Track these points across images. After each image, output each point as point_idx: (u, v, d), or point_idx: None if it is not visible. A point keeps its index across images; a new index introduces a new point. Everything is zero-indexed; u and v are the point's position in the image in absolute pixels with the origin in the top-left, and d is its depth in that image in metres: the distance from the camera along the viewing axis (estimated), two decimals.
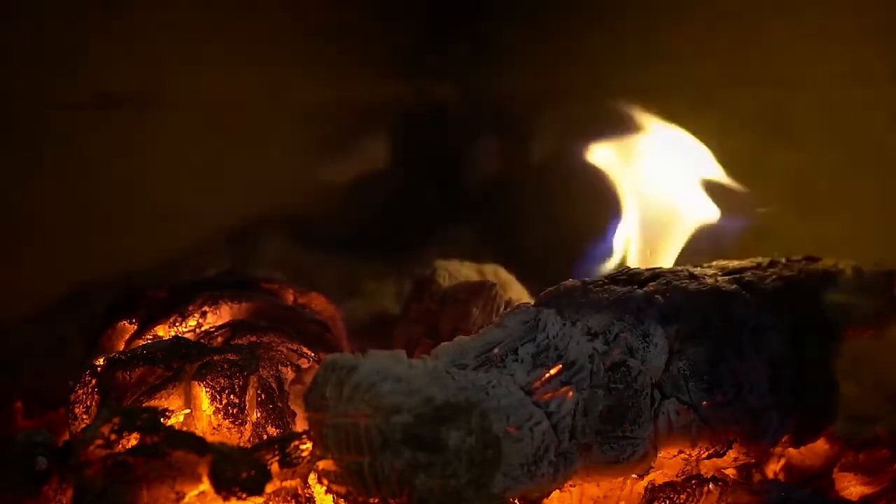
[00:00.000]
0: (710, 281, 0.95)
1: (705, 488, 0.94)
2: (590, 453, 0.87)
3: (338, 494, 0.83)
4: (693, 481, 0.94)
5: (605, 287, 0.95)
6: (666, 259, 1.16)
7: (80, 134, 1.41)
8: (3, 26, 1.36)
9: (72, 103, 1.41)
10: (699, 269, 0.98)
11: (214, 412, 0.96)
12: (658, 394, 0.91)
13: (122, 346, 1.07)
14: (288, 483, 0.90)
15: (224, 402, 0.97)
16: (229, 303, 1.08)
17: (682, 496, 0.94)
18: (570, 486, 0.91)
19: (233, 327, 1.06)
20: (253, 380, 0.98)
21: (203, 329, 1.06)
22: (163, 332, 1.06)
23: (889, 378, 1.26)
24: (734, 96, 1.47)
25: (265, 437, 0.97)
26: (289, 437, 0.87)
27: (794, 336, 0.95)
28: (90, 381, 0.99)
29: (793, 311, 0.95)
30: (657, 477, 0.96)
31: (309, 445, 0.86)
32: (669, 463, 0.95)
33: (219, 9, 1.48)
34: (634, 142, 1.23)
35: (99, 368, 0.99)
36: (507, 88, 1.55)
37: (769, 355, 0.93)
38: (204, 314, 1.07)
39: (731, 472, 1.00)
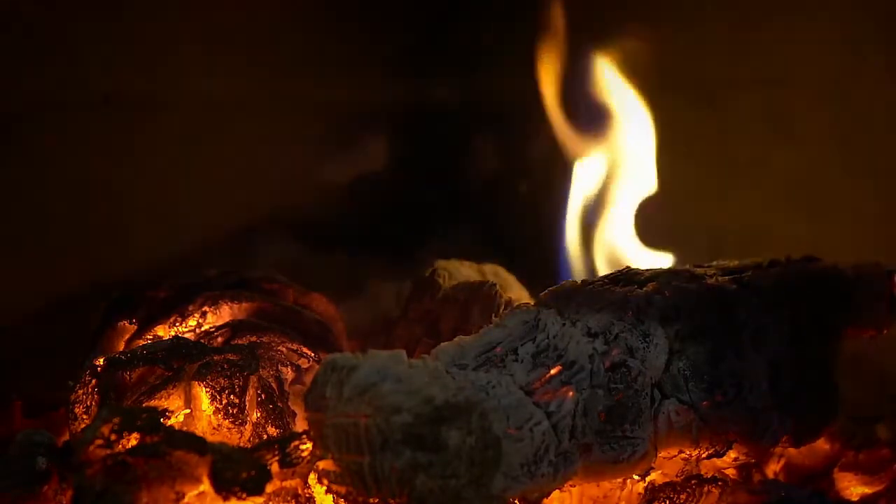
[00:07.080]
0: (710, 281, 0.95)
1: (705, 488, 0.94)
2: (590, 453, 0.87)
3: (338, 494, 0.83)
4: (693, 481, 0.94)
5: (605, 287, 0.94)
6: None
7: (80, 134, 1.41)
8: (4, 27, 1.36)
9: (72, 103, 1.41)
10: (699, 269, 0.98)
11: (214, 412, 0.96)
12: (658, 394, 0.91)
13: (122, 346, 1.07)
14: (288, 483, 0.90)
15: (224, 402, 0.97)
16: (229, 303, 1.08)
17: (682, 496, 0.94)
18: (570, 486, 0.91)
19: (233, 327, 1.06)
20: (253, 380, 0.98)
21: (203, 329, 1.06)
22: (163, 332, 1.06)
23: (889, 378, 1.26)
24: (734, 96, 1.47)
25: (265, 437, 0.97)
26: (289, 437, 0.87)
27: (794, 336, 0.95)
28: (90, 381, 0.99)
29: (793, 311, 0.95)
30: (657, 477, 0.96)
31: (309, 445, 0.86)
32: (669, 463, 0.95)
33: (219, 9, 1.47)
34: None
35: (99, 368, 0.99)
36: (507, 88, 1.55)
37: (769, 355, 0.93)
38: (204, 314, 1.07)
39: (731, 472, 1.00)
